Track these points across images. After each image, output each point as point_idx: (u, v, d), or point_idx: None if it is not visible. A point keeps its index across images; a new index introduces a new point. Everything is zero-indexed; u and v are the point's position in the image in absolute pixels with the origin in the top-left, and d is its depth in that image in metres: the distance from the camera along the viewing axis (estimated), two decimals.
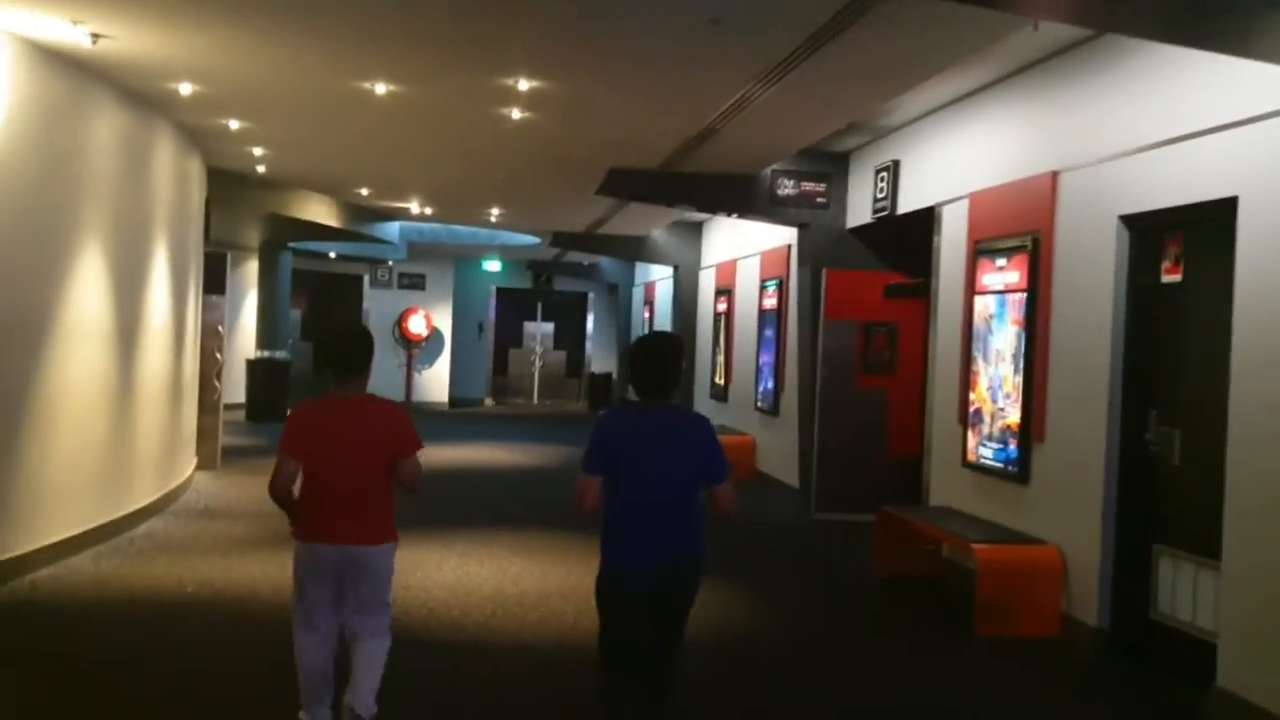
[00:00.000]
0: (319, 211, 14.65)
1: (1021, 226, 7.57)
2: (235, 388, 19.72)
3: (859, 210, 10.84)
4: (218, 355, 12.50)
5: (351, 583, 4.48)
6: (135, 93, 8.47)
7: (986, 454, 7.92)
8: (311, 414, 4.69)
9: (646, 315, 22.07)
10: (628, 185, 10.98)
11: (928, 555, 8.43)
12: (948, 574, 8.27)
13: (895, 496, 9.36)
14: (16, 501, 7.05)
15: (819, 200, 11.09)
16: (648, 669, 4.10)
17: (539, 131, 9.23)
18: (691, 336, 17.55)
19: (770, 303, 13.40)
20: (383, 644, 4.60)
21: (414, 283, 24.38)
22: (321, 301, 24.24)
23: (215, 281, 12.60)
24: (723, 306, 15.78)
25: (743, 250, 14.90)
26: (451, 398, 24.60)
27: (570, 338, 26.81)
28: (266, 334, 19.15)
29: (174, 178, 10.16)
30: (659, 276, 21.03)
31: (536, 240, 19.55)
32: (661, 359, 4.20)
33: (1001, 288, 7.84)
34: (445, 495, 10.99)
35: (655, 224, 16.77)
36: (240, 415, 18.99)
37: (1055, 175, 7.20)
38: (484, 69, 7.44)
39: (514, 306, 26.35)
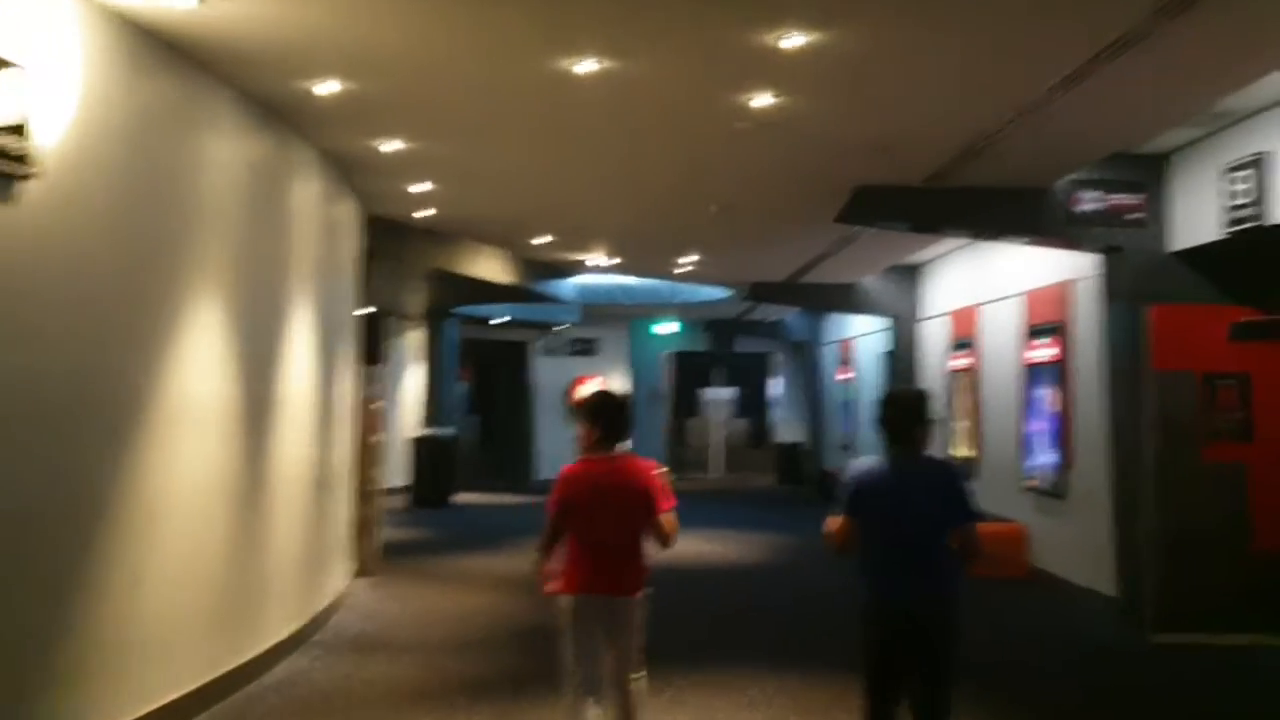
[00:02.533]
0: (490, 268, 12.70)
1: None
2: (397, 470, 17.98)
3: (1191, 226, 8.14)
4: (377, 436, 10.53)
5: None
6: (261, 96, 6.50)
7: None
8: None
9: (845, 377, 19.44)
10: (880, 208, 8.55)
11: None
12: None
13: (1265, 608, 6.63)
14: (95, 655, 4.96)
15: (1134, 216, 8.44)
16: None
17: (783, 132, 6.93)
18: None
19: (1043, 355, 10.69)
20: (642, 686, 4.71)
21: (586, 348, 22.39)
22: (488, 372, 22.50)
23: (372, 350, 10.68)
24: (963, 362, 13.10)
25: (990, 293, 12.24)
26: None
27: (753, 404, 24.36)
28: (433, 409, 17.33)
29: (320, 219, 8.22)
30: (858, 332, 18.43)
31: (725, 294, 17.26)
32: (914, 412, 4.46)
33: None
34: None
35: (872, 268, 14.26)
36: (403, 501, 17.14)
37: None
38: (741, 18, 5.18)
39: (691, 370, 24.09)
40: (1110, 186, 8.44)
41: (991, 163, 7.78)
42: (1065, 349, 10.26)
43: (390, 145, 7.74)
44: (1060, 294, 10.38)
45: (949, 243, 13.04)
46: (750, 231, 11.26)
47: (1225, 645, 7.91)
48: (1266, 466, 8.15)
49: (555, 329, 21.32)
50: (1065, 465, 10.21)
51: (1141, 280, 8.38)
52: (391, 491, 18.01)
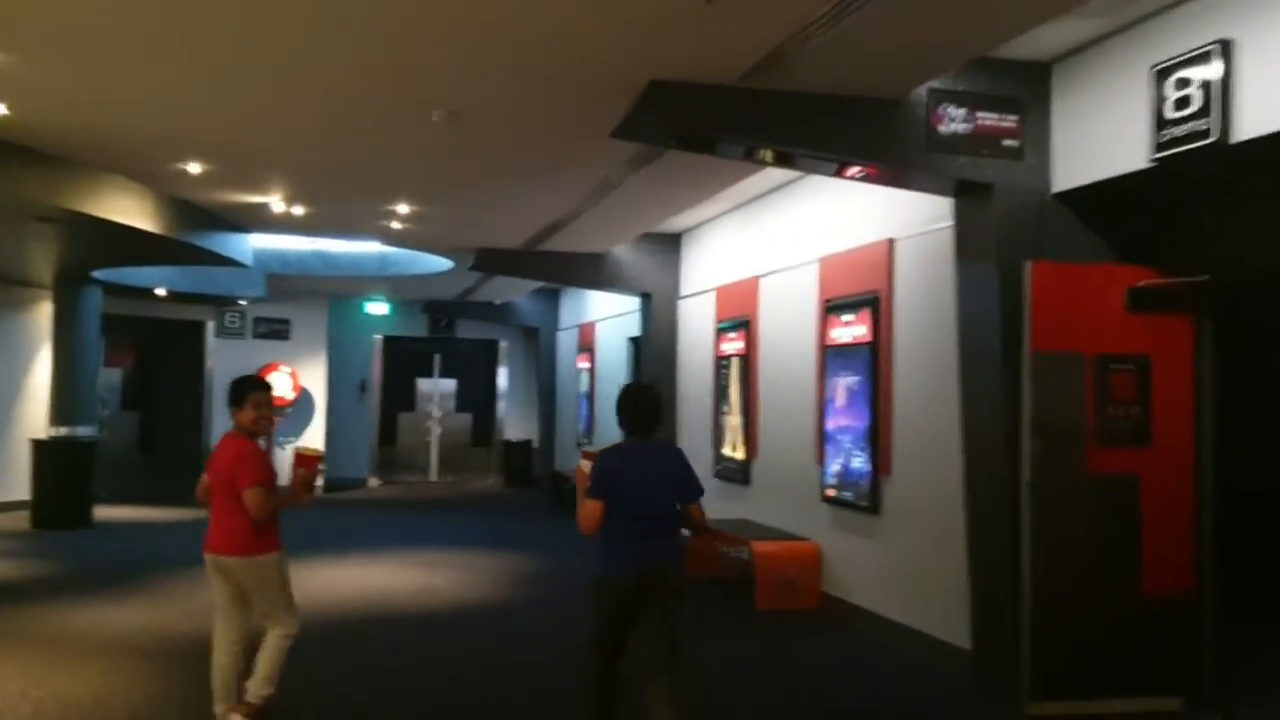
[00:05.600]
0: (123, 208, 9.23)
1: None
2: (18, 482, 13.95)
3: (1087, 157, 6.12)
4: None
5: None
6: None
7: None
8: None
9: (585, 366, 17.01)
10: (681, 114, 5.95)
11: None
12: None
13: (1161, 666, 5.05)
14: None
15: (1008, 143, 6.33)
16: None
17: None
18: (670, 391, 12.59)
19: (851, 335, 8.56)
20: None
21: (275, 330, 18.77)
22: (151, 357, 18.44)
23: None
24: (735, 346, 10.88)
25: (774, 262, 10.06)
26: (325, 479, 18.59)
27: (477, 397, 21.49)
28: (64, 402, 13.42)
29: None
30: (605, 314, 16.05)
31: (447, 265, 14.35)
32: (655, 409, 5.14)
33: None
34: None
35: (625, 233, 11.82)
36: (22, 521, 13.17)
37: None
38: None
39: (405, 360, 20.93)
40: (980, 102, 6.29)
41: (831, 55, 5.43)
42: (880, 327, 8.15)
43: None
44: (873, 258, 8.28)
45: (719, 204, 10.81)
46: (485, 166, 8.45)
47: (1111, 715, 5.99)
48: (1162, 480, 6.25)
49: (240, 302, 17.64)
50: (878, 472, 8.10)
51: (1015, 229, 6.28)
52: (9, 508, 14.01)
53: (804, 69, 5.66)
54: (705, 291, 11.83)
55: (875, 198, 8.22)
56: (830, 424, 8.78)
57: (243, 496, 5.00)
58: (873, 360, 8.22)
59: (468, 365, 21.42)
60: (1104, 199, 6.20)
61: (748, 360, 10.56)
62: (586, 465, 5.53)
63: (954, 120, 6.24)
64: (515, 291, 18.01)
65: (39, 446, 13.20)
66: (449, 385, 21.33)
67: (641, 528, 4.85)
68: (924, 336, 7.67)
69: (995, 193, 6.29)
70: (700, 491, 5.10)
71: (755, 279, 10.46)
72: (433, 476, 21.00)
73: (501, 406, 21.25)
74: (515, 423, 21.11)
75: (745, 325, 10.62)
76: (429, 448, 21.09)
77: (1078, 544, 6.14)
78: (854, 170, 6.67)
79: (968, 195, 6.50)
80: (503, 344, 21.25)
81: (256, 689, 5.15)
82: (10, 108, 6.72)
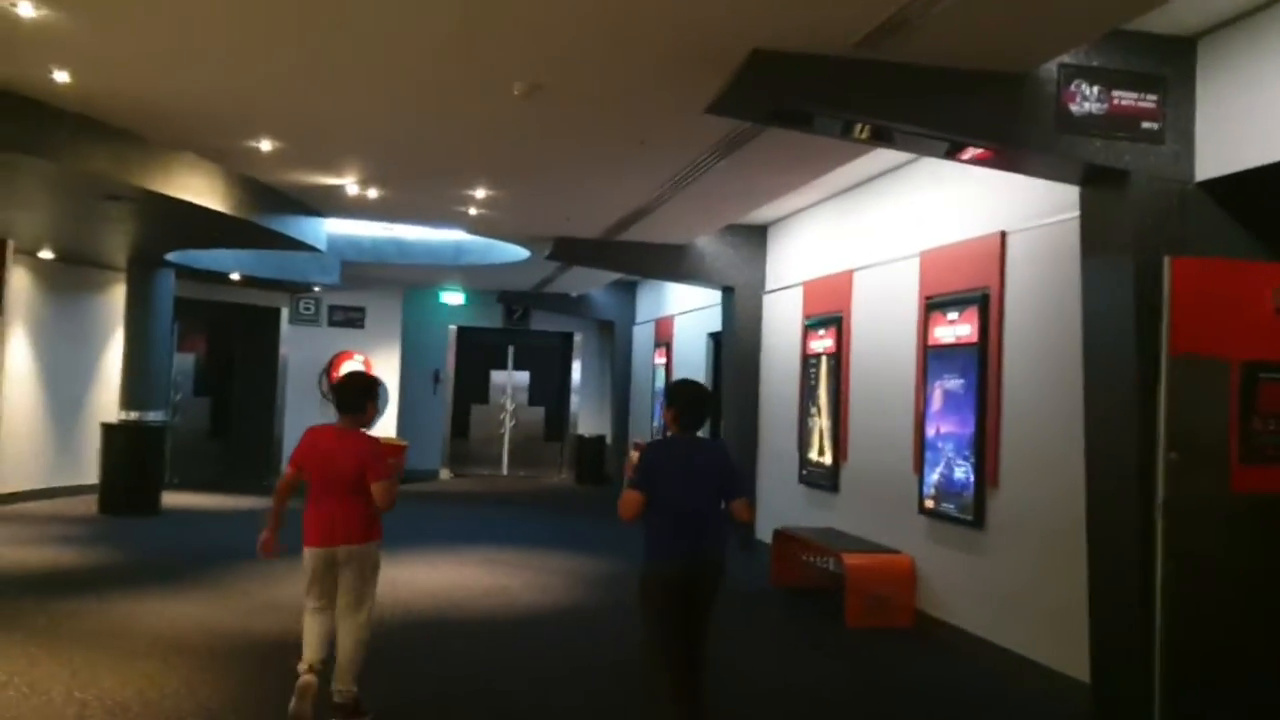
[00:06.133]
0: (195, 187, 8.94)
1: None
2: (85, 464, 13.89)
3: (1235, 143, 5.46)
4: None
5: None
6: None
7: None
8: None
9: (661, 361, 16.52)
10: (785, 87, 5.40)
11: None
12: None
13: None
14: None
15: (1147, 126, 5.69)
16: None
17: None
18: (752, 390, 12.05)
19: (955, 334, 7.94)
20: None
21: (350, 318, 18.58)
22: (224, 342, 18.36)
23: None
24: (825, 344, 10.30)
25: (870, 255, 9.46)
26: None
27: (550, 391, 21.13)
28: (134, 386, 13.28)
29: None
30: (684, 308, 15.55)
31: (524, 255, 13.95)
32: (701, 405, 5.15)
33: None
34: None
35: (710, 223, 11.29)
36: (91, 506, 13.07)
37: None
38: None
39: (479, 351, 20.63)
40: (1116, 80, 5.66)
41: (957, 22, 4.86)
42: (988, 327, 7.53)
43: None
44: (982, 252, 7.65)
45: (809, 194, 10.24)
46: (567, 145, 7.97)
47: None
48: None
49: (314, 289, 17.44)
50: (984, 484, 7.48)
51: (1152, 223, 5.63)
52: (75, 490, 13.94)
53: (924, 37, 5.09)
54: (792, 286, 11.26)
55: (984, 187, 7.59)
56: (930, 430, 8.17)
57: (374, 488, 5.21)
58: (980, 362, 7.59)
59: (542, 358, 21.07)
60: (1254, 189, 5.53)
61: (838, 359, 9.97)
62: (635, 456, 5.16)
63: (1087, 99, 5.61)
64: (591, 283, 17.59)
65: (109, 431, 13.07)
66: (522, 378, 21.00)
67: (680, 523, 4.90)
68: (1038, 338, 7.04)
69: (1131, 180, 5.65)
70: (744, 489, 5.11)
71: (848, 273, 9.86)
72: (504, 470, 20.68)
73: (575, 401, 20.85)
74: (588, 418, 20.70)
75: (836, 322, 10.03)
76: (502, 441, 20.79)
77: (1218, 571, 5.48)
78: (969, 153, 6.06)
79: (1098, 183, 5.86)
80: (577, 337, 20.85)
81: (348, 687, 5.31)
82: (73, 75, 6.39)
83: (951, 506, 7.86)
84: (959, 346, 7.87)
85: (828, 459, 10.12)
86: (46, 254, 13.18)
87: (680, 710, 4.88)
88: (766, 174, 8.67)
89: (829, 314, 10.20)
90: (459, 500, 16.66)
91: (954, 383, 7.91)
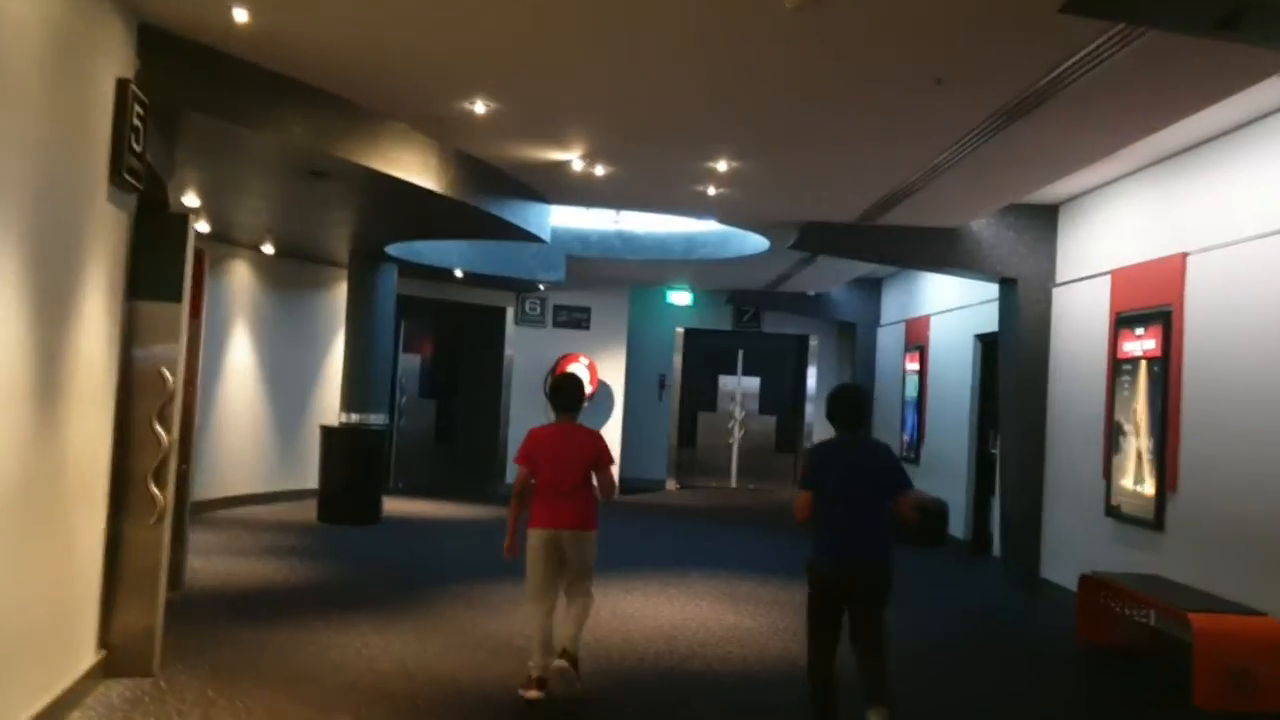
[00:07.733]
0: (410, 164, 7.95)
1: None
2: (308, 467, 13.35)
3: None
4: (158, 424, 5.81)
5: None
6: None
7: None
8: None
9: (914, 367, 14.71)
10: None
11: None
12: None
13: None
14: None
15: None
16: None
17: None
18: (1038, 402, 10.17)
19: None
20: None
21: (575, 319, 17.60)
22: (450, 343, 17.73)
23: (167, 279, 5.98)
24: (1144, 346, 8.36)
25: (1213, 235, 7.50)
26: (622, 479, 17.19)
27: (782, 398, 19.59)
28: (356, 387, 12.61)
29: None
30: (943, 306, 13.71)
31: (763, 245, 12.50)
32: (860, 407, 5.43)
33: None
34: None
35: (991, 201, 9.51)
36: (310, 513, 12.46)
37: None
38: None
39: (707, 355, 19.32)
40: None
41: None
42: None
43: None
44: None
45: (1118, 163, 8.35)
46: (837, 92, 6.44)
47: None
48: None
49: (540, 287, 16.53)
50: None
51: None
52: (296, 495, 13.43)
53: None
54: (1096, 275, 9.33)
55: None
56: None
57: (602, 477, 5.96)
58: None
59: (774, 363, 19.57)
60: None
61: (1165, 364, 8.03)
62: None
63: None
64: (833, 280, 15.97)
65: (328, 434, 12.43)
66: (752, 384, 19.55)
67: (843, 520, 5.11)
68: None
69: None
70: (908, 484, 5.25)
71: (1180, 257, 7.91)
72: (732, 483, 19.29)
73: (810, 410, 19.22)
74: (825, 428, 18.99)
75: (1163, 318, 8.09)
76: (730, 451, 19.41)
77: None
78: None
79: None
80: (813, 340, 19.21)
81: (573, 642, 5.92)
82: (252, 14, 5.36)
83: None
84: None
85: (1147, 489, 8.18)
86: (268, 248, 12.68)
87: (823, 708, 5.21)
88: (1082, 130, 6.87)
89: (1151, 308, 8.26)
90: (686, 515, 15.37)
91: None
